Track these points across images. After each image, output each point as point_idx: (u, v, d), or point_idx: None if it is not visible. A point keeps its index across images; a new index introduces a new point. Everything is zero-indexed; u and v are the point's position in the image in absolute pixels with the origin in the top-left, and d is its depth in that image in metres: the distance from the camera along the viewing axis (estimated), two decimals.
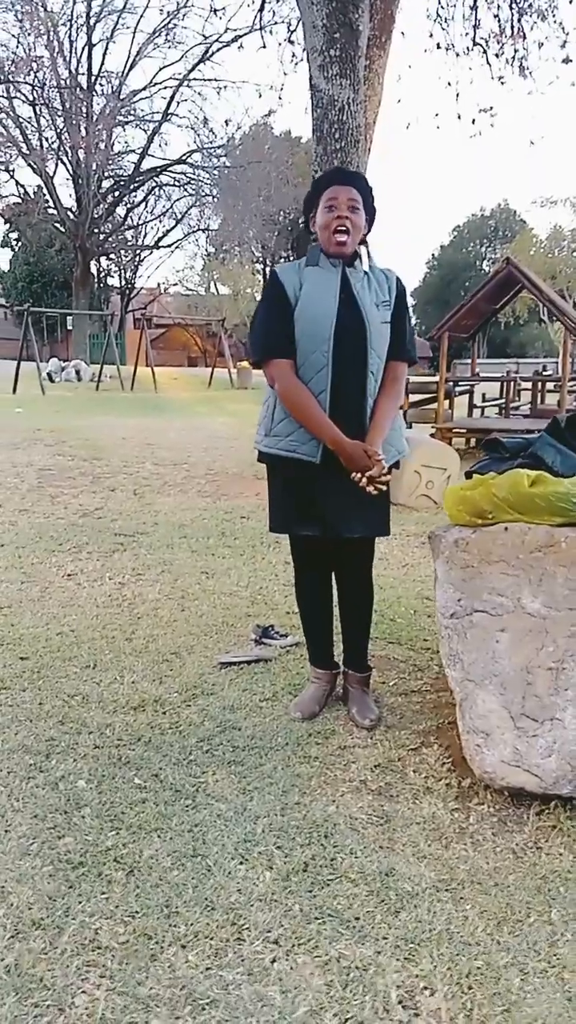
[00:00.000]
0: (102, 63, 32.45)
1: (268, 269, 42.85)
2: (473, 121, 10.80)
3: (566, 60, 10.31)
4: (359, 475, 2.35)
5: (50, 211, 32.51)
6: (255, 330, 2.51)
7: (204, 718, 2.64)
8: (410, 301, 2.54)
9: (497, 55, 10.52)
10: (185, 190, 34.37)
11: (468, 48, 10.53)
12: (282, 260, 41.83)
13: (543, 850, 1.95)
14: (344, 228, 2.38)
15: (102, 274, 43.06)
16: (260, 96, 37.15)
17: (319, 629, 2.80)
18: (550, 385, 14.36)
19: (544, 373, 15.17)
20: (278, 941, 1.62)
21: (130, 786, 2.20)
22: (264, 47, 9.99)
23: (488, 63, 10.11)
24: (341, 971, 1.54)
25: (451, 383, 11.62)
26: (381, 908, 1.72)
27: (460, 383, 13.04)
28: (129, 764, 2.32)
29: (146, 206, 37.15)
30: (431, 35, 10.65)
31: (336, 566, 2.72)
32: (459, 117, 10.66)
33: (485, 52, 10.03)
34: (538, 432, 2.51)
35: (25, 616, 3.64)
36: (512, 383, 14.08)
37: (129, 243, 40.06)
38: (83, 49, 30.48)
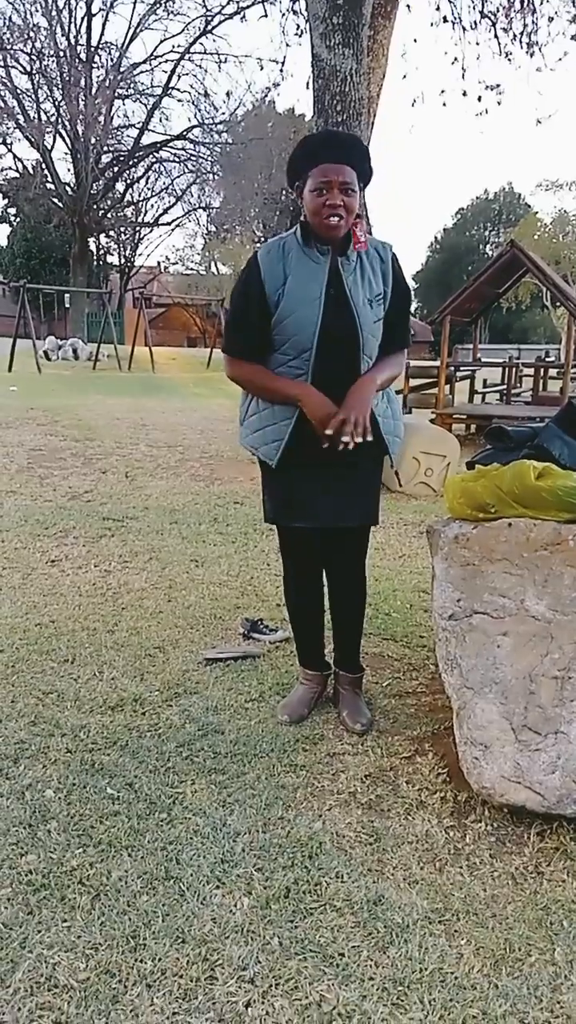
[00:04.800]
0: (101, 34, 31.96)
1: None
2: (479, 98, 10.59)
3: None
4: (344, 427, 2.12)
5: (48, 186, 32.04)
6: (229, 319, 2.34)
7: (185, 720, 2.49)
8: (411, 284, 2.34)
9: (505, 29, 10.25)
10: (186, 167, 33.89)
11: (475, 22, 10.25)
12: None
13: (544, 876, 1.80)
14: (337, 216, 2.13)
15: (101, 251, 42.57)
16: (262, 68, 36.18)
17: (309, 628, 2.64)
18: (552, 372, 14.17)
19: (547, 359, 14.97)
20: (254, 980, 1.47)
21: (102, 796, 2.05)
22: (266, 16, 9.66)
23: (496, 37, 9.83)
24: (322, 1017, 1.39)
25: (452, 368, 11.42)
26: (368, 942, 1.57)
27: (461, 368, 12.84)
28: (102, 771, 2.17)
29: (146, 182, 36.71)
30: (438, 7, 10.35)
31: (327, 559, 2.55)
32: (465, 94, 10.36)
33: (493, 25, 9.75)
34: (541, 420, 2.34)
35: (4, 605, 3.47)
36: (514, 369, 13.88)
37: (128, 220, 39.58)
38: (82, 19, 29.90)
